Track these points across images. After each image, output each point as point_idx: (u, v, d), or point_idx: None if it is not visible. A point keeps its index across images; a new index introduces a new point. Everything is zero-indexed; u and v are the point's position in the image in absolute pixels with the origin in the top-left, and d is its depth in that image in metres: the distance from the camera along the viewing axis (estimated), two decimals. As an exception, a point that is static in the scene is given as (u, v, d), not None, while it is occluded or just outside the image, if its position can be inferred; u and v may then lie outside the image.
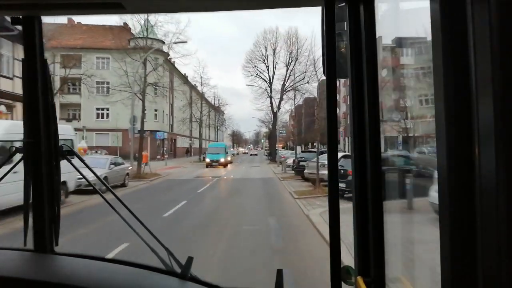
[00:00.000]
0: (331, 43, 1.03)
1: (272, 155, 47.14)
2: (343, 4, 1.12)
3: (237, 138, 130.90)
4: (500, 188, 0.55)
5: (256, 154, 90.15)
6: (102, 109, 45.03)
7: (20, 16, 1.43)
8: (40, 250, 1.54)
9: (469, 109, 0.58)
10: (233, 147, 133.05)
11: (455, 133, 0.61)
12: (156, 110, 46.23)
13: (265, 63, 44.55)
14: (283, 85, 44.85)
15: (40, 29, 1.47)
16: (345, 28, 1.14)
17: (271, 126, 66.90)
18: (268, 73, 45.83)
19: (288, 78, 43.99)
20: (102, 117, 45.22)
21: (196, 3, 1.34)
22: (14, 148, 1.50)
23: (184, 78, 56.54)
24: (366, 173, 1.10)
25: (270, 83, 44.72)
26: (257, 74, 45.05)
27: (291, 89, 45.18)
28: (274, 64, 45.98)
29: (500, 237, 0.55)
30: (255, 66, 44.24)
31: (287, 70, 43.83)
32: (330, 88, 1.03)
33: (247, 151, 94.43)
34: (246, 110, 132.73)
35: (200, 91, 53.35)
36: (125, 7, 1.25)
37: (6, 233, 6.97)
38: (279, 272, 1.29)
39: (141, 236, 1.43)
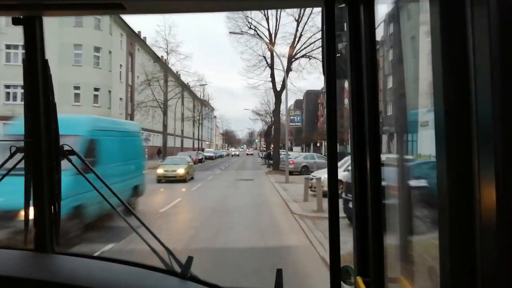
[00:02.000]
0: (331, 43, 1.15)
1: (273, 159, 27.18)
2: (343, 5, 1.23)
3: (229, 138, 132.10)
4: (500, 189, 0.60)
5: (251, 154, 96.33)
6: (15, 87, 32.21)
7: (21, 17, 1.58)
8: (40, 250, 1.68)
9: (469, 110, 0.67)
10: (223, 147, 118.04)
11: (455, 134, 0.69)
12: (97, 90, 34.70)
13: (264, 13, 24.99)
14: (292, 47, 25.85)
15: (41, 30, 1.62)
16: (345, 29, 1.24)
17: (270, 118, 47.41)
18: (269, 29, 27.04)
19: (299, 39, 25.48)
20: (15, 99, 32.38)
21: (196, 4, 1.48)
22: (15, 148, 1.61)
23: (153, 55, 37.91)
24: (366, 173, 1.20)
25: (271, 44, 24.98)
26: (250, 27, 25.56)
27: (302, 56, 26.11)
28: (278, 16, 32.36)
29: (499, 237, 0.60)
30: (247, 16, 24.99)
31: (297, 25, 25.29)
32: (330, 88, 1.14)
33: (237, 153, 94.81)
34: (241, 111, 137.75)
35: (166, 61, 34.34)
36: (125, 7, 1.39)
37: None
38: (279, 272, 1.39)
39: (141, 236, 1.56)
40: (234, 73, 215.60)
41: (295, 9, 26.75)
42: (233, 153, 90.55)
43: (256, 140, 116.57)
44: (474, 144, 0.65)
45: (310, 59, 30.16)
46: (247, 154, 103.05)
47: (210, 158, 60.57)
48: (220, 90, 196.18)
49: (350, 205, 7.86)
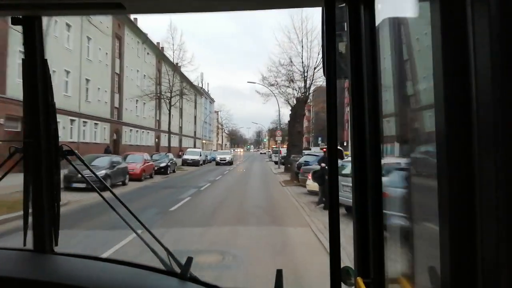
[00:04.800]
0: (331, 43, 1.16)
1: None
2: (343, 4, 1.25)
3: (235, 138, 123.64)
4: (500, 188, 0.63)
5: (264, 153, 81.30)
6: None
7: (21, 16, 1.61)
8: (39, 250, 1.71)
9: (469, 111, 0.69)
10: (221, 147, 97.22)
11: (455, 134, 0.71)
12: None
13: None
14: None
15: (40, 29, 1.66)
16: (345, 29, 1.26)
17: (304, 81, 18.29)
18: None
19: None
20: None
21: (196, 3, 1.50)
22: (14, 148, 1.65)
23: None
24: (366, 173, 1.22)
25: None
26: None
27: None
28: None
29: (500, 237, 0.63)
30: None
31: None
32: (330, 88, 1.14)
33: (226, 158, 48.28)
34: (247, 111, 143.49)
35: None
36: (125, 7, 1.42)
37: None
38: (279, 272, 1.42)
39: (140, 236, 1.60)
40: (238, 71, 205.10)
41: None
42: (219, 159, 47.20)
43: (265, 140, 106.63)
44: (474, 144, 0.67)
45: None
46: (261, 153, 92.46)
47: (194, 164, 40.00)
48: (224, 89, 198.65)
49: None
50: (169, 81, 39.14)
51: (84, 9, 1.50)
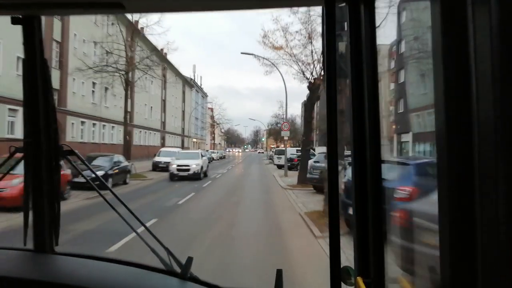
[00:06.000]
0: (331, 43, 1.19)
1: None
2: (343, 4, 1.27)
3: (231, 137, 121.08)
4: (500, 188, 0.64)
5: (262, 152, 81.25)
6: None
7: (20, 16, 1.64)
8: (40, 250, 1.73)
9: (470, 110, 0.70)
10: (213, 147, 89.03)
11: (456, 134, 0.73)
12: None
13: None
14: None
15: (40, 29, 1.69)
16: (345, 29, 1.28)
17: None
18: None
19: None
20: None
21: (196, 3, 1.54)
22: (14, 148, 1.67)
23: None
24: (366, 173, 1.23)
25: None
26: None
27: None
28: None
29: (500, 236, 0.64)
30: None
31: None
32: (330, 88, 1.18)
33: (188, 166, 23.10)
34: (246, 111, 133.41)
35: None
36: (125, 6, 1.44)
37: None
38: (279, 272, 1.43)
39: (140, 236, 1.62)
40: (236, 71, 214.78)
41: None
42: (177, 167, 22.86)
43: (263, 139, 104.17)
44: (475, 143, 0.68)
45: None
46: (259, 152, 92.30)
47: (163, 169, 26.76)
48: (222, 88, 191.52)
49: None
50: (125, 46, 24.52)
51: (84, 9, 1.53)
